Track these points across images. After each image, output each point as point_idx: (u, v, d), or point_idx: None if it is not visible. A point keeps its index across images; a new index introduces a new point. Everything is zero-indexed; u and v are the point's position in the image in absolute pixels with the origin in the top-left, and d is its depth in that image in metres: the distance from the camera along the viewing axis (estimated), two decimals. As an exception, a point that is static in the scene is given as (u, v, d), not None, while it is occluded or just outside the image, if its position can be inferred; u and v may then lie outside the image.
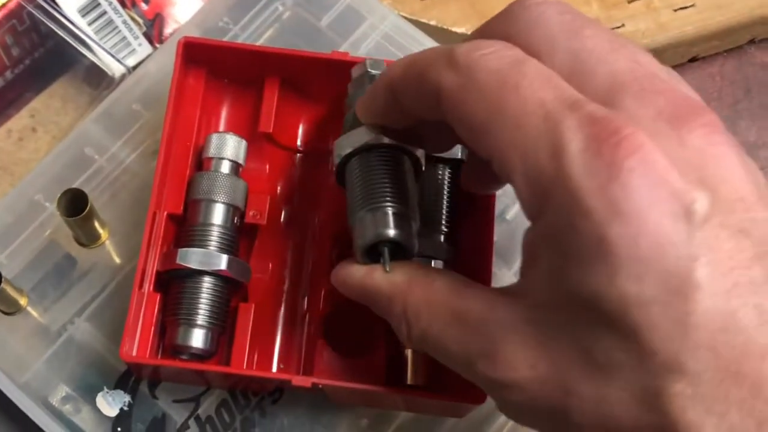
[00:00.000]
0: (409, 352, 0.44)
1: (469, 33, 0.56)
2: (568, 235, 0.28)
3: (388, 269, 0.36)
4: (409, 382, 0.43)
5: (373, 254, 0.37)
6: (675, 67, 0.61)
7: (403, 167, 0.38)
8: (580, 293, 0.28)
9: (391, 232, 0.36)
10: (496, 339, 0.31)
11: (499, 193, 0.49)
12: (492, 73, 0.30)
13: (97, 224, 0.46)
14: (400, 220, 0.36)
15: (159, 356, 0.44)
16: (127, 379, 0.45)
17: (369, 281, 0.36)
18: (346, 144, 0.38)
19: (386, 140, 0.38)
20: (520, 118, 0.29)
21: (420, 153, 0.39)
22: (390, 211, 0.36)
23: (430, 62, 0.32)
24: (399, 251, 0.37)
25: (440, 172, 0.46)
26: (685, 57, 0.61)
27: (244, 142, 0.47)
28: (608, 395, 0.28)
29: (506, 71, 0.30)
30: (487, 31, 0.34)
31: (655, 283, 0.27)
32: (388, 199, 0.37)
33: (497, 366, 0.31)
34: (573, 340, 0.29)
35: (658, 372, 0.27)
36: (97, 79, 0.55)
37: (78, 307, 0.47)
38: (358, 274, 0.37)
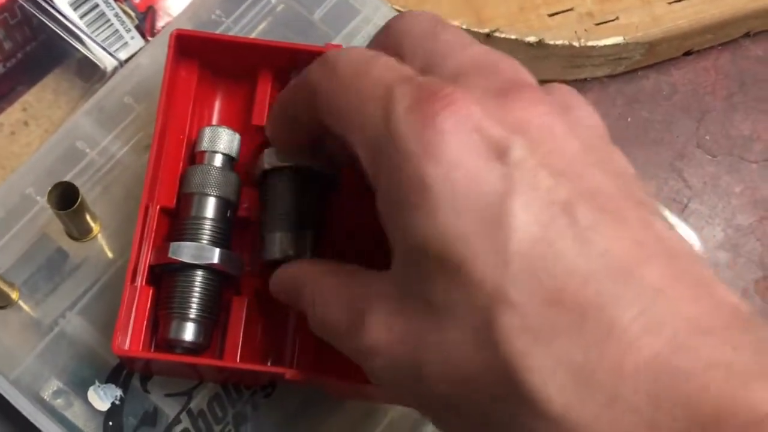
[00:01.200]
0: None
1: (462, 27, 0.56)
2: (396, 187, 0.30)
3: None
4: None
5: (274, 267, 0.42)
6: (669, 60, 0.61)
7: (306, 187, 0.43)
8: (414, 241, 0.30)
9: (290, 251, 0.42)
10: (364, 310, 0.32)
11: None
12: (350, 65, 0.34)
13: (88, 218, 0.46)
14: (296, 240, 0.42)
15: (152, 350, 0.43)
16: (119, 373, 0.45)
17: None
18: (259, 164, 0.44)
19: (281, 163, 0.43)
20: (365, 96, 0.32)
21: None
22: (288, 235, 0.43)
23: (308, 69, 0.37)
24: None
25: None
26: (680, 50, 0.61)
27: (237, 136, 0.46)
28: (448, 339, 0.29)
29: (362, 62, 0.33)
30: (371, 42, 0.38)
31: (472, 216, 0.28)
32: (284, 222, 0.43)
33: (360, 335, 0.32)
34: (419, 293, 0.30)
35: (486, 305, 0.28)
36: (89, 73, 0.55)
37: (70, 301, 0.46)
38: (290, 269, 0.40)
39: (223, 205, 0.45)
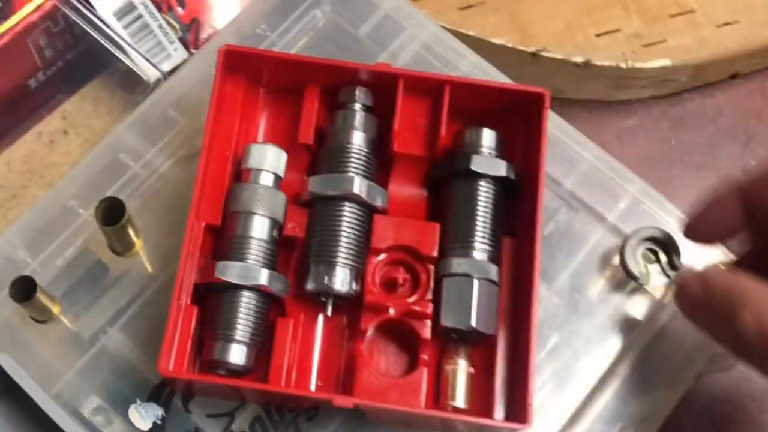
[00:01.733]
0: (450, 372, 0.43)
1: (508, 45, 0.56)
2: None
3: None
4: (450, 402, 0.42)
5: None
6: (715, 83, 0.61)
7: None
8: None
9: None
10: None
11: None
12: None
13: (132, 233, 0.46)
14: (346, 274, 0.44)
15: (196, 370, 0.43)
16: (161, 391, 0.44)
17: (719, 273, 0.39)
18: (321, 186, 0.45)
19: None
20: None
21: None
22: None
23: None
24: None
25: (482, 189, 0.45)
26: (726, 73, 0.60)
27: (284, 154, 0.46)
28: None
29: None
30: None
31: None
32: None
33: None
34: None
35: None
36: (132, 84, 0.54)
37: (110, 316, 0.46)
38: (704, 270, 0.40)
39: (270, 224, 0.44)
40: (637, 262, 0.46)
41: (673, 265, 0.46)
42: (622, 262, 0.46)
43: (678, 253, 0.46)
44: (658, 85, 0.58)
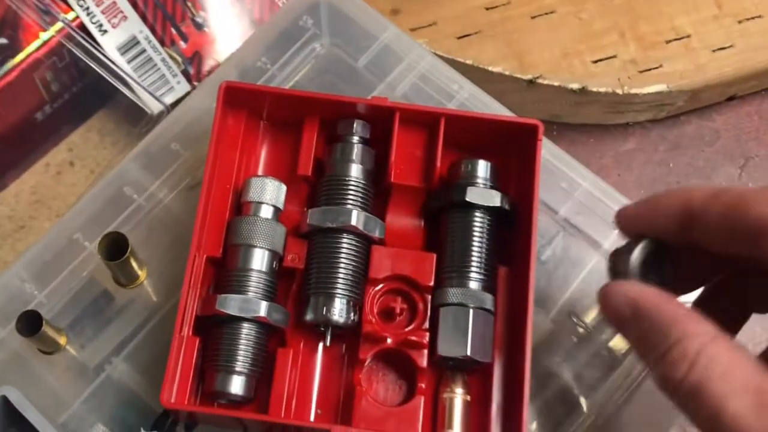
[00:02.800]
0: (447, 401, 0.44)
1: (505, 72, 0.57)
2: None
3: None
4: (447, 430, 0.43)
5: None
6: (712, 106, 0.61)
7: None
8: None
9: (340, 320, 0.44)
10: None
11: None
12: None
13: (135, 265, 0.47)
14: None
15: (197, 400, 0.44)
16: (165, 420, 0.45)
17: (654, 298, 0.37)
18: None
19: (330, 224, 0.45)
20: None
21: None
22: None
23: (753, 198, 0.34)
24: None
25: (477, 220, 0.45)
26: (723, 96, 0.60)
27: (283, 187, 0.47)
28: None
29: None
30: None
31: None
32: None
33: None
34: None
35: None
36: (136, 116, 0.55)
37: (115, 345, 0.47)
38: (637, 287, 0.37)
39: (270, 256, 0.45)
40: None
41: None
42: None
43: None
44: (654, 109, 0.59)
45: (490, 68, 0.57)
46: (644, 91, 0.56)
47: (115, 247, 0.44)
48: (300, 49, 0.53)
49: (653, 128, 0.61)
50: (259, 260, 0.45)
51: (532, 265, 0.43)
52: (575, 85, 0.56)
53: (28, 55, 0.54)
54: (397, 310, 0.45)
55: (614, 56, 0.57)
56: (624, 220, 0.41)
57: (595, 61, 0.57)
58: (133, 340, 0.47)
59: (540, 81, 0.56)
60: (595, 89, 0.56)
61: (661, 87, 0.57)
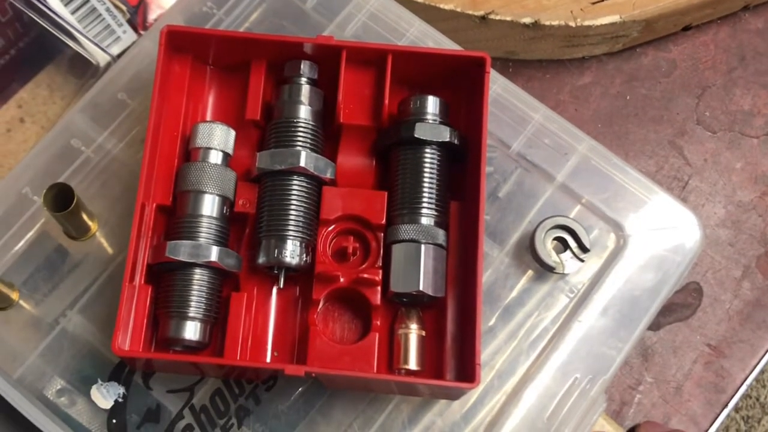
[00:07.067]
0: (402, 336, 0.44)
1: (457, 9, 0.56)
2: None
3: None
4: (401, 366, 0.43)
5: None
6: (668, 36, 0.61)
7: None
8: None
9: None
10: None
11: (490, 170, 0.49)
12: None
13: (85, 217, 0.46)
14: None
15: (152, 348, 0.44)
16: (121, 370, 0.45)
17: None
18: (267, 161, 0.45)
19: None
20: None
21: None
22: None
23: None
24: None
25: (427, 156, 0.45)
26: (678, 26, 0.60)
27: (232, 132, 0.46)
28: None
29: None
30: None
31: None
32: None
33: None
34: None
35: None
36: (82, 68, 0.54)
37: (70, 299, 0.47)
38: None
39: (220, 202, 0.45)
40: (548, 254, 0.47)
41: (583, 248, 0.47)
42: (534, 256, 0.47)
43: (585, 235, 0.47)
44: (609, 41, 0.58)
45: (441, 6, 0.56)
46: (597, 23, 0.56)
47: (62, 199, 0.44)
48: (246, -8, 0.52)
49: (609, 61, 0.60)
50: (210, 206, 0.44)
51: (482, 198, 0.43)
52: (528, 20, 0.55)
53: (-32, 12, 0.53)
54: (350, 250, 0.45)
55: (566, -11, 0.56)
56: None
57: (547, -5, 0.56)
58: (88, 293, 0.47)
59: (492, 17, 0.56)
60: (547, 23, 0.56)
61: (614, 18, 0.56)
